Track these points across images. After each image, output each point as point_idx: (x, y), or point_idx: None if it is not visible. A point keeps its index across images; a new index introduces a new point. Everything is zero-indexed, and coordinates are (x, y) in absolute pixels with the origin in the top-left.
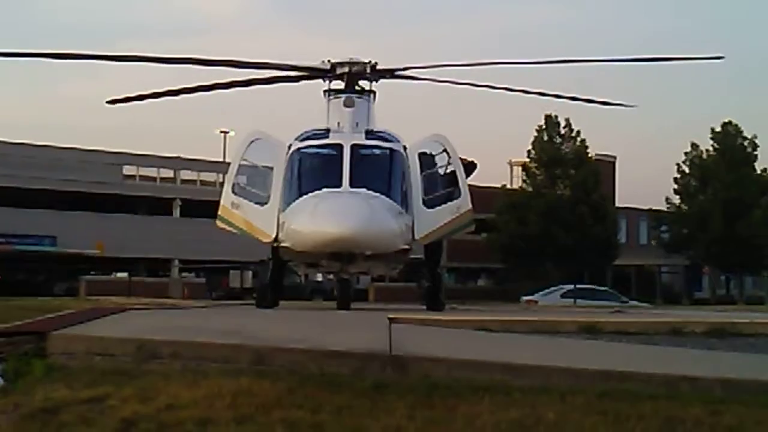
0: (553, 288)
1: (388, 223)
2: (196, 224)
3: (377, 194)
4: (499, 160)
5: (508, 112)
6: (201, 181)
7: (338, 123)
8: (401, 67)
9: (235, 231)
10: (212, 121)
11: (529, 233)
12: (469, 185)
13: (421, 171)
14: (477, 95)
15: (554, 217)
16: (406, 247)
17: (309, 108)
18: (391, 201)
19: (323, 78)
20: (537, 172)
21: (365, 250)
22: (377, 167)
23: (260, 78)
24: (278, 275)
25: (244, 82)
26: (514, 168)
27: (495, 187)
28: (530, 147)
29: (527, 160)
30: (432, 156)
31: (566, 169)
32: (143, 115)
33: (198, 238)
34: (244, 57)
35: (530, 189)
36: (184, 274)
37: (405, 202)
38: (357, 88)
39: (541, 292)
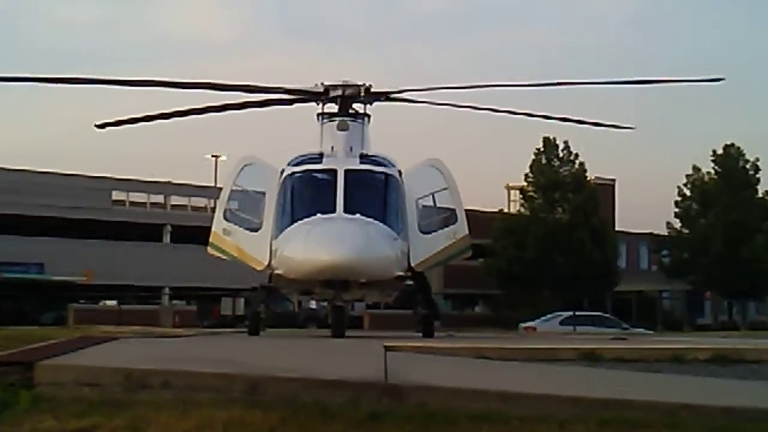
0: (551, 315)
1: (382, 250)
2: (186, 251)
3: (372, 220)
4: (497, 184)
5: (505, 135)
6: (192, 206)
7: (332, 147)
8: (397, 89)
9: (226, 258)
10: (203, 145)
11: (527, 258)
12: (466, 210)
13: (417, 196)
14: (473, 118)
15: (552, 242)
16: (402, 273)
17: (303, 132)
18: (385, 227)
19: (317, 101)
20: (535, 195)
21: (360, 278)
22: (372, 192)
23: (253, 101)
24: (269, 303)
25: (236, 105)
26: (512, 192)
27: (492, 212)
28: (528, 170)
29: (525, 183)
30: (428, 181)
31: (565, 192)
32: (132, 139)
33: (189, 265)
34: (236, 80)
35: (528, 213)
36: (174, 301)
37: (400, 227)
38: (351, 111)
39: (539, 319)
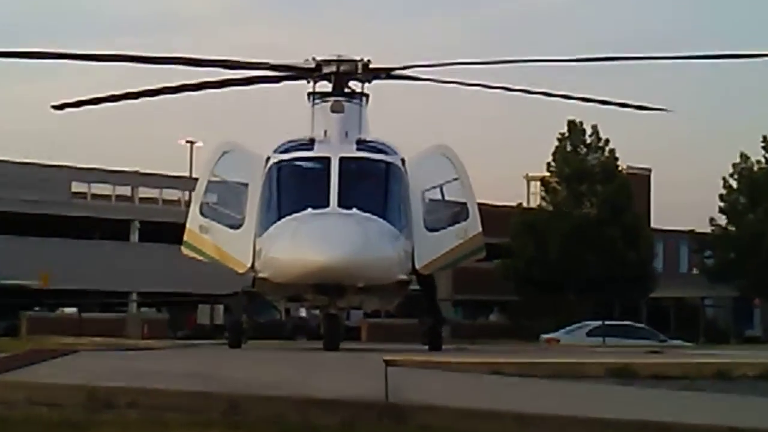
0: (577, 324)
1: (383, 250)
2: (157, 251)
3: (370, 215)
4: (514, 175)
5: (524, 118)
6: (163, 199)
7: (325, 132)
8: (399, 65)
9: (203, 259)
10: (177, 129)
11: (549, 260)
12: (479, 204)
13: (423, 188)
14: (486, 99)
15: (579, 241)
16: (405, 277)
17: (291, 114)
18: (387, 223)
19: (307, 79)
20: (558, 187)
21: (357, 282)
22: (371, 184)
23: (234, 79)
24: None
25: (215, 84)
26: (532, 183)
27: (509, 206)
28: (550, 159)
29: (547, 174)
30: (435, 170)
31: (593, 184)
32: (95, 122)
33: (160, 267)
34: (216, 54)
35: (550, 208)
36: (143, 309)
37: (403, 224)
38: (347, 90)
39: (563, 330)
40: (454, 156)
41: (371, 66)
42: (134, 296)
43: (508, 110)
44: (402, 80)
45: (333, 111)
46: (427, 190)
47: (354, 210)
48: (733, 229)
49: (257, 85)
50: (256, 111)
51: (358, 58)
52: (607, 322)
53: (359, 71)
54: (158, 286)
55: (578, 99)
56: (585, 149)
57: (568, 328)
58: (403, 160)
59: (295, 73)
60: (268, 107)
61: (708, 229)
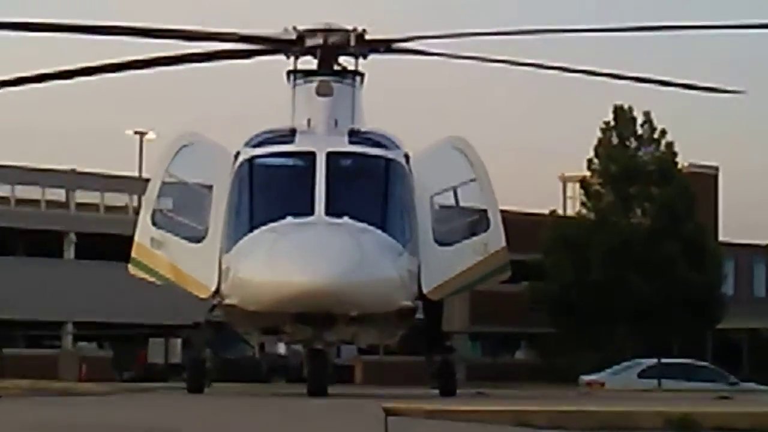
0: (626, 363)
1: (382, 269)
2: (98, 271)
3: (366, 226)
4: (547, 175)
5: (558, 103)
6: (106, 206)
7: (308, 120)
8: (401, 36)
9: (156, 281)
10: (123, 117)
11: (590, 281)
12: (503, 211)
13: (432, 191)
14: (513, 79)
15: (628, 258)
16: (409, 303)
17: (266, 99)
18: (386, 236)
19: (287, 53)
20: (602, 190)
21: (349, 310)
22: (366, 186)
23: (196, 54)
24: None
25: (171, 60)
26: (569, 186)
27: (540, 214)
28: (592, 154)
29: (587, 173)
30: (447, 169)
31: (646, 186)
32: (20, 108)
33: (101, 291)
34: (172, 23)
35: (592, 216)
36: (81, 344)
37: (407, 237)
38: (336, 68)
39: (609, 370)
40: (471, 151)
41: (367, 37)
42: (69, 327)
43: (539, 93)
44: (404, 55)
45: (319, 94)
46: (438, 193)
47: (345, 219)
48: None
49: (224, 62)
50: (223, 94)
51: (350, 27)
52: (663, 360)
53: (352, 44)
54: (99, 315)
55: (629, 79)
56: (635, 142)
57: (615, 367)
58: (407, 156)
59: (271, 46)
60: (237, 90)
61: None
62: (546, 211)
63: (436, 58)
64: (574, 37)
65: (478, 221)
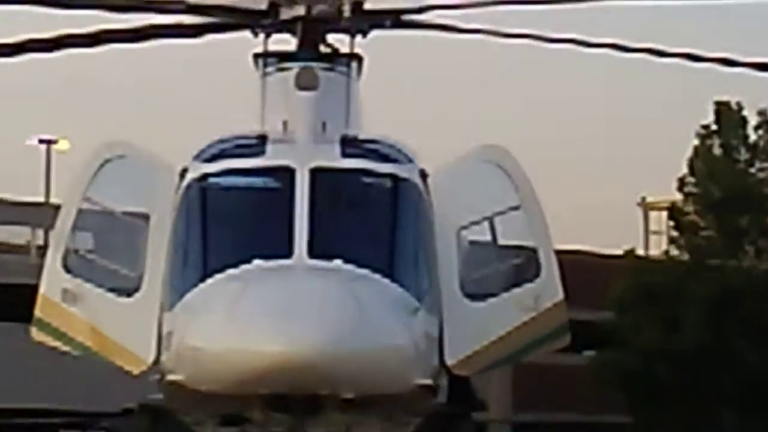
0: None
1: (388, 333)
2: None
3: (366, 272)
4: (622, 200)
5: (636, 99)
6: (1, 244)
7: (285, 123)
8: (412, 5)
9: (70, 349)
10: (24, 121)
11: (683, 350)
12: (561, 252)
13: (459, 222)
14: (565, 65)
15: (735, 317)
16: (426, 381)
17: (225, 93)
18: (394, 285)
19: (254, 29)
20: (700, 222)
21: (342, 391)
22: (366, 216)
23: (126, 30)
24: None
25: (92, 39)
26: (652, 216)
27: (613, 256)
28: (685, 171)
29: (678, 198)
30: (480, 192)
31: (761, 215)
32: None
33: None
34: None
35: (686, 258)
36: None
37: (424, 287)
38: (324, 49)
39: None
40: (514, 166)
41: (366, 7)
42: None
43: (607, 85)
44: (416, 30)
45: (300, 86)
46: (467, 226)
47: (336, 262)
48: None
49: (165, 41)
50: (164, 88)
51: None
52: None
53: (345, 16)
54: None
55: (738, 65)
56: (747, 154)
57: None
58: (423, 174)
59: (232, 18)
60: (184, 81)
61: None
62: (621, 252)
63: (458, 35)
64: (651, 3)
65: (524, 265)
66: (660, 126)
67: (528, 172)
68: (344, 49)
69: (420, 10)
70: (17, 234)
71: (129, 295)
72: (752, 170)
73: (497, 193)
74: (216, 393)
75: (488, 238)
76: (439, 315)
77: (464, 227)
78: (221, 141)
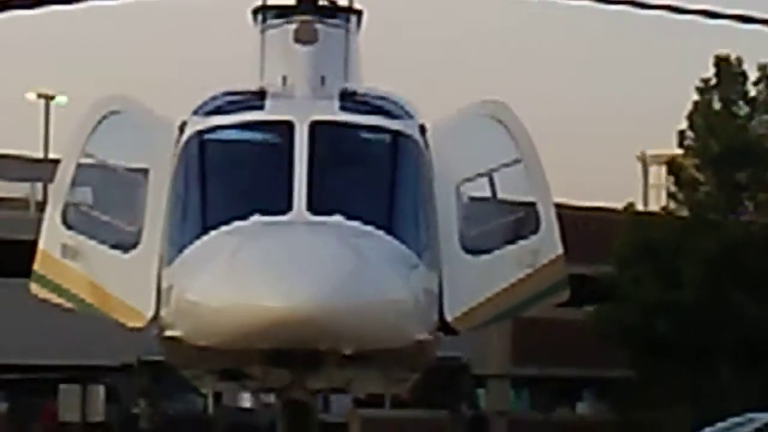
0: (735, 420)
1: (387, 287)
2: None
3: (365, 227)
4: (621, 154)
5: (635, 52)
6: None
7: (284, 78)
8: None
9: (68, 303)
10: (21, 75)
11: (682, 304)
12: (559, 205)
13: (459, 177)
14: (568, 18)
15: (734, 271)
16: (426, 336)
17: (223, 47)
18: (393, 240)
19: None
20: (699, 176)
21: (341, 345)
22: (366, 170)
23: None
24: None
25: None
26: (652, 170)
27: (612, 210)
28: (684, 125)
29: (678, 152)
30: (480, 146)
31: (760, 170)
32: None
33: None
34: None
35: (685, 213)
36: None
37: (423, 241)
38: (323, 2)
39: (713, 428)
40: (514, 120)
41: None
42: None
43: (606, 39)
44: None
45: (299, 40)
46: (467, 180)
47: (336, 217)
48: None
49: None
50: (162, 42)
51: None
52: None
53: None
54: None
55: (736, 18)
56: (746, 108)
57: (719, 425)
58: (422, 128)
59: None
60: (181, 35)
61: None
62: (620, 206)
63: None
64: None
65: (523, 220)
66: (660, 78)
67: (528, 127)
68: (344, 2)
69: None
70: (14, 189)
71: (128, 250)
72: (752, 124)
73: (497, 148)
74: (215, 348)
75: (488, 193)
76: (438, 270)
77: (463, 182)
78: (220, 95)
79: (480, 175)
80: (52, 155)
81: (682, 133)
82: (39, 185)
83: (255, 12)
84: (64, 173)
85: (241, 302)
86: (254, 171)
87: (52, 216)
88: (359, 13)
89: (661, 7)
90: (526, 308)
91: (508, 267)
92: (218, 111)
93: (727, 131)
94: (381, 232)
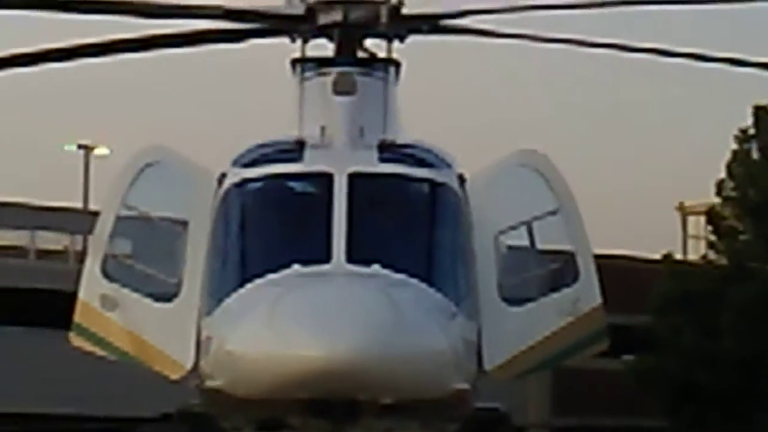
0: None
1: (427, 338)
2: (24, 340)
3: (405, 277)
4: (660, 205)
5: (674, 103)
6: (37, 250)
7: (322, 129)
8: (451, 10)
9: (108, 355)
10: (62, 126)
11: (723, 354)
12: (599, 256)
13: (497, 227)
14: (605, 69)
15: None
16: (465, 386)
17: (263, 98)
18: (433, 291)
19: (292, 34)
20: (738, 226)
21: (381, 396)
22: (405, 221)
23: (166, 36)
24: None
25: (132, 45)
26: (691, 220)
27: (651, 260)
28: (724, 174)
29: (716, 201)
30: (519, 197)
31: None
32: None
33: (28, 369)
34: None
35: (724, 262)
36: None
37: (462, 292)
38: (362, 54)
39: None
40: (552, 171)
41: (404, 12)
42: None
43: (645, 90)
44: (456, 35)
45: (337, 92)
46: (506, 231)
47: (375, 267)
48: None
49: (204, 47)
50: (203, 94)
51: None
52: None
53: (383, 21)
54: (25, 405)
55: (753, 66)
56: None
57: None
58: (461, 179)
59: (270, 24)
60: (223, 87)
61: None
62: (659, 256)
63: (496, 39)
64: (692, 9)
65: (562, 269)
66: (699, 129)
67: (566, 177)
68: (382, 54)
69: (458, 15)
70: (54, 240)
71: (168, 300)
72: None
73: (535, 197)
74: (254, 398)
75: (526, 242)
76: (477, 320)
77: (502, 232)
78: (259, 146)
79: (519, 225)
80: (91, 206)
81: (720, 183)
82: (79, 237)
83: (294, 63)
84: (104, 224)
85: (281, 352)
86: (293, 222)
87: (91, 267)
88: (398, 63)
89: (689, 55)
90: (565, 358)
91: (548, 317)
92: (257, 162)
93: (766, 180)
94: (420, 283)
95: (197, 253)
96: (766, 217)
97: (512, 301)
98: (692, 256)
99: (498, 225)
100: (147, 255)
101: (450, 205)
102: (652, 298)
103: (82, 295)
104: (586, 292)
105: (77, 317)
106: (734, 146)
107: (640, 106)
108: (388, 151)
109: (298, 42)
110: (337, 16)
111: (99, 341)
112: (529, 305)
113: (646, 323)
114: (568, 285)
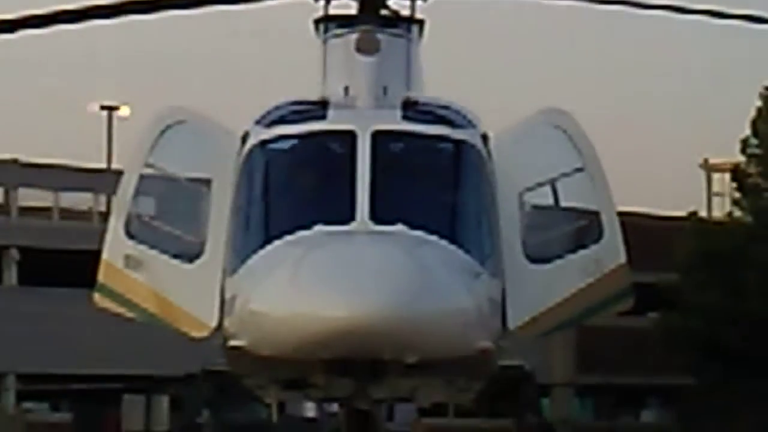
0: None
1: (451, 297)
2: (50, 301)
3: (429, 236)
4: (684, 162)
5: (699, 60)
6: (61, 209)
7: (346, 88)
8: None
9: (131, 314)
10: (85, 87)
11: (748, 312)
12: (623, 213)
13: (521, 186)
14: (632, 26)
15: None
16: (489, 344)
17: (286, 58)
18: (457, 249)
19: None
20: (763, 184)
21: (406, 355)
22: (428, 179)
23: None
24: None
25: (146, 5)
26: (715, 177)
27: (676, 218)
28: (748, 132)
29: (742, 159)
30: (543, 155)
31: None
32: None
33: (55, 329)
34: None
35: (749, 220)
36: (26, 404)
37: (487, 251)
38: (385, 13)
39: None
40: (577, 129)
41: None
42: (10, 381)
43: (670, 47)
44: None
45: (361, 51)
46: (530, 189)
47: (399, 226)
48: None
49: (225, 6)
50: (224, 53)
51: None
52: None
53: None
54: (53, 365)
55: None
56: None
57: None
58: (485, 138)
59: None
60: (244, 47)
61: None
62: (684, 214)
63: None
64: None
65: (586, 228)
66: (724, 86)
67: (590, 135)
68: (405, 13)
69: None
70: (79, 200)
71: (191, 260)
72: None
73: (559, 156)
74: (278, 357)
75: (550, 201)
76: (501, 279)
77: (526, 191)
78: (283, 106)
79: (543, 183)
80: (115, 166)
81: (745, 141)
82: (102, 197)
83: (317, 22)
84: (127, 185)
85: (305, 312)
86: (317, 181)
87: (115, 227)
88: (421, 22)
89: (706, 12)
90: (589, 316)
91: (572, 275)
92: (280, 121)
93: None
94: (444, 241)
95: (221, 212)
96: None
97: (536, 259)
98: (717, 214)
99: (522, 184)
100: (170, 215)
101: (474, 164)
102: (677, 256)
103: (105, 255)
104: (611, 251)
105: (101, 278)
106: (759, 104)
107: (666, 64)
108: (412, 109)
109: (321, 1)
110: None
111: (123, 301)
112: (554, 263)
113: (670, 281)
114: (592, 243)
